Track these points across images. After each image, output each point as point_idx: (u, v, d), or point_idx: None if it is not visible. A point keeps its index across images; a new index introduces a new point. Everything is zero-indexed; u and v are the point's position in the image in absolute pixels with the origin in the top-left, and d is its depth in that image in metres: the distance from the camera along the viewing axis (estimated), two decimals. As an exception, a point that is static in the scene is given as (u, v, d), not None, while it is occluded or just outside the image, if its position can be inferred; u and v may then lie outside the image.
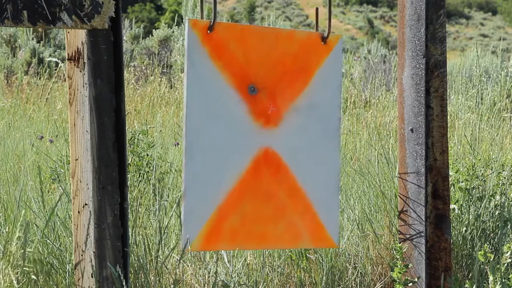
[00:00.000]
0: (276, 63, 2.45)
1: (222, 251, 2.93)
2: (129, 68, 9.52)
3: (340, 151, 2.59)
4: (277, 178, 2.46)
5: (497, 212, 3.50)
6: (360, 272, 3.21)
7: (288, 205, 2.48)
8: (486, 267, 3.00)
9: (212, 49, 2.34)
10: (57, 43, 12.41)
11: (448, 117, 4.02)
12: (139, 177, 3.87)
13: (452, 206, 3.41)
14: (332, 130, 2.54)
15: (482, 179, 3.63)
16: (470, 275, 3.30)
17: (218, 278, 2.93)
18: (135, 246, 2.71)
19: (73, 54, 2.27)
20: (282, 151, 2.47)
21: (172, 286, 2.82)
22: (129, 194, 3.35)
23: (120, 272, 2.24)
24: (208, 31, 2.33)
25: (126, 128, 2.30)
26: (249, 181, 2.41)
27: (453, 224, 3.39)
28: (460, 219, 3.43)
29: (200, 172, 2.34)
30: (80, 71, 2.25)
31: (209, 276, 2.97)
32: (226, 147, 2.38)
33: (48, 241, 2.77)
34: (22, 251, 2.49)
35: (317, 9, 2.59)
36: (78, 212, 2.30)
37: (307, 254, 3.08)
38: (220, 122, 2.36)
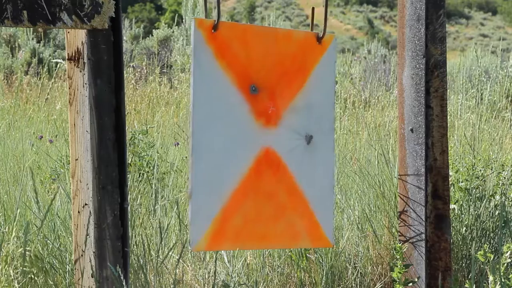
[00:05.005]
0: (275, 63, 2.45)
1: (222, 251, 2.93)
2: (129, 68, 9.51)
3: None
4: (277, 177, 2.46)
5: (497, 212, 3.50)
6: (360, 272, 3.21)
7: (287, 205, 2.48)
8: (486, 267, 3.00)
9: (217, 48, 2.34)
10: (57, 43, 12.42)
11: (448, 117, 4.02)
12: (139, 177, 3.87)
13: (452, 206, 3.41)
14: (327, 129, 2.55)
15: (482, 179, 3.63)
16: (470, 275, 3.30)
17: (218, 278, 2.93)
18: (135, 246, 2.71)
19: (73, 54, 2.27)
20: (281, 151, 2.47)
21: (172, 286, 2.82)
22: (129, 194, 3.34)
23: (120, 272, 2.24)
24: (213, 31, 2.33)
25: (126, 128, 2.30)
26: (252, 181, 2.41)
27: (453, 224, 3.39)
28: (460, 219, 3.43)
29: (207, 172, 2.33)
30: (80, 71, 2.25)
31: (209, 276, 2.97)
32: (231, 147, 2.37)
33: (48, 241, 2.77)
34: (21, 250, 2.49)
35: (313, 8, 2.59)
36: (78, 212, 2.30)
37: (307, 254, 3.08)
38: (225, 122, 2.36)
